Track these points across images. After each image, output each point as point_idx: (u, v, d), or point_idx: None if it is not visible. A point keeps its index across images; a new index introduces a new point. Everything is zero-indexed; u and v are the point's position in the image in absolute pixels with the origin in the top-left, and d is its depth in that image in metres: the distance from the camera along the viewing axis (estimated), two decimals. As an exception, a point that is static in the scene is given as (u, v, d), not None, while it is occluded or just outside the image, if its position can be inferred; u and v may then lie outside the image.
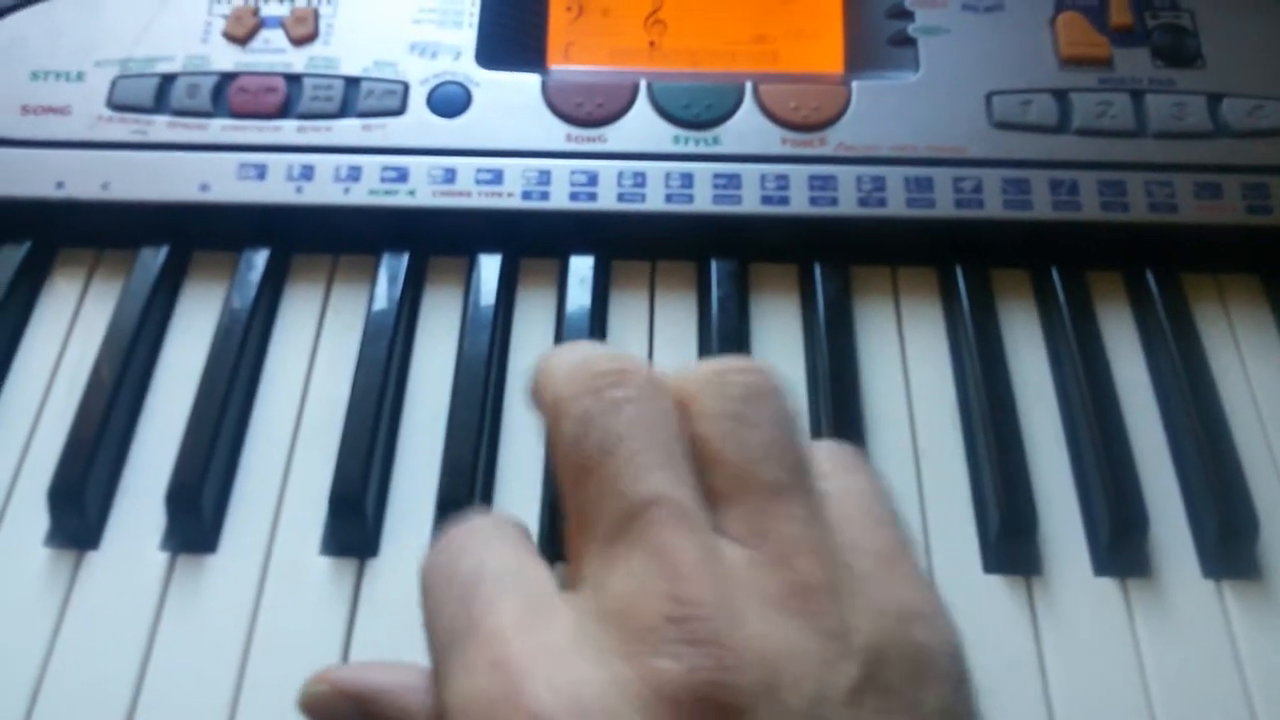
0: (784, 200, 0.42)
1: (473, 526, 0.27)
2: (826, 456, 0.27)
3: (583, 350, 0.27)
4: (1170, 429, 0.39)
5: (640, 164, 0.43)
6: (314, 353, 0.41)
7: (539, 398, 0.27)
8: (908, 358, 0.41)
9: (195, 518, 0.36)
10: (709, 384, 0.26)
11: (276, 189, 0.42)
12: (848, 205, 0.42)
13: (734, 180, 0.42)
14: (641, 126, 0.43)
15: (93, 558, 0.36)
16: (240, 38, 0.45)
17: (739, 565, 0.23)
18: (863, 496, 0.26)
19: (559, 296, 0.42)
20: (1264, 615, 0.35)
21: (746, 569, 0.23)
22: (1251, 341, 0.42)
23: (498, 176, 0.42)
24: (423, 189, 0.42)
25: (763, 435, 0.25)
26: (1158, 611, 0.35)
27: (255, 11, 0.45)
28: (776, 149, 0.43)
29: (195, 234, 0.43)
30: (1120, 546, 0.36)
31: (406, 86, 0.44)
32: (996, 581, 0.36)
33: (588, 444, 0.25)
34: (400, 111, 0.43)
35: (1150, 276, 0.42)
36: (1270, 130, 0.43)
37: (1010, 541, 0.36)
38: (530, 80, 0.44)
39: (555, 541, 0.36)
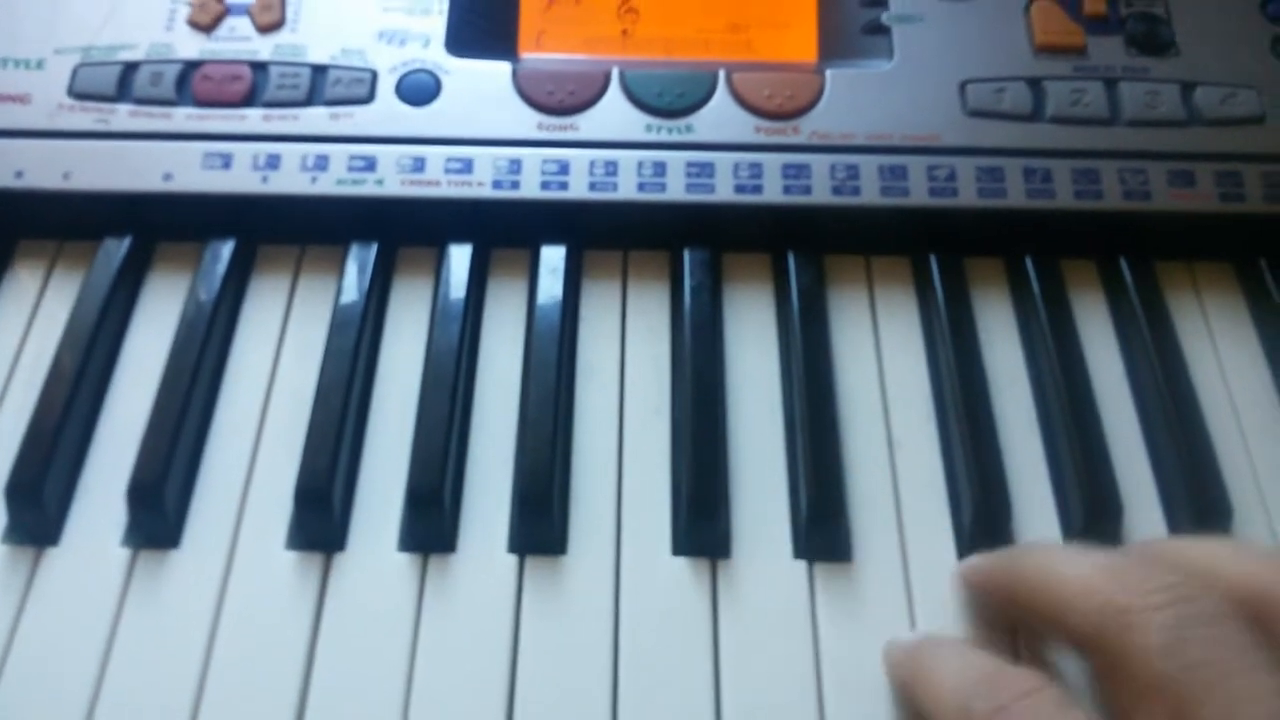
0: (757, 189, 0.42)
1: None
2: None
3: (1115, 559, 0.27)
4: (1144, 416, 0.39)
5: (612, 153, 0.42)
6: (280, 345, 0.40)
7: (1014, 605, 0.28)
8: (882, 347, 0.41)
9: (158, 513, 0.36)
10: None
11: (242, 178, 0.41)
12: (821, 194, 0.42)
13: (707, 169, 0.42)
14: (614, 115, 0.43)
15: (52, 554, 0.36)
16: (205, 25, 0.44)
17: None
18: None
19: (530, 287, 0.41)
20: (1238, 602, 0.35)
21: None
22: (1225, 328, 0.42)
23: (468, 166, 0.42)
24: (391, 178, 0.41)
25: None
26: (1132, 600, 0.35)
27: (220, -2, 0.45)
28: (750, 137, 0.42)
29: (159, 224, 0.42)
30: (1094, 533, 0.36)
31: (375, 74, 0.43)
32: (971, 571, 0.36)
33: (1186, 659, 0.23)
34: (368, 100, 0.43)
35: (1124, 264, 0.42)
36: (1243, 118, 0.43)
37: (984, 531, 0.36)
38: (501, 68, 0.44)
39: (525, 534, 0.36)
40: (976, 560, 0.33)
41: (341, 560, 0.35)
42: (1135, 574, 0.26)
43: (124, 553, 0.36)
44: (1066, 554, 0.28)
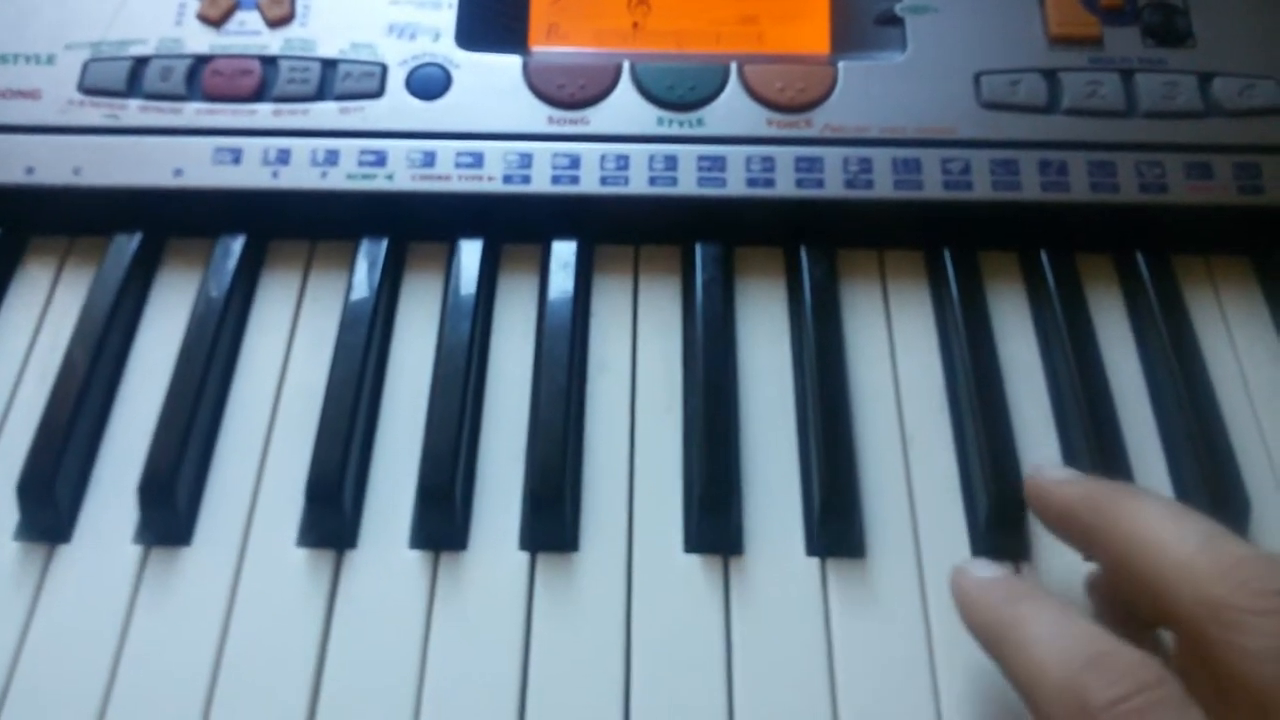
0: (769, 183, 0.41)
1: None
2: None
3: (1225, 545, 0.27)
4: (1160, 411, 0.39)
5: (623, 146, 0.42)
6: (291, 340, 0.40)
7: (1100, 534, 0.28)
8: (895, 341, 0.41)
9: (169, 509, 0.35)
10: None
11: (252, 173, 0.41)
12: (834, 187, 0.41)
13: (719, 162, 0.42)
14: (624, 108, 0.43)
15: (64, 551, 0.36)
16: (215, 19, 0.44)
17: None
18: None
19: (541, 282, 0.41)
20: (1256, 600, 0.35)
21: None
22: (1242, 323, 0.41)
23: (478, 160, 0.42)
24: (401, 173, 0.41)
25: None
26: (1149, 597, 0.35)
27: (229, -8, 0.44)
28: (762, 130, 0.42)
29: (169, 220, 0.42)
30: (1111, 531, 0.36)
31: (385, 68, 0.43)
32: (985, 568, 0.35)
33: None
34: (378, 94, 0.43)
35: (1140, 258, 0.42)
36: (1261, 109, 0.43)
37: (999, 528, 0.36)
38: (511, 62, 0.43)
39: (537, 531, 0.36)
40: (1058, 477, 0.32)
41: (353, 557, 0.35)
42: (1242, 572, 0.26)
43: (136, 550, 0.36)
44: (1164, 518, 0.27)
